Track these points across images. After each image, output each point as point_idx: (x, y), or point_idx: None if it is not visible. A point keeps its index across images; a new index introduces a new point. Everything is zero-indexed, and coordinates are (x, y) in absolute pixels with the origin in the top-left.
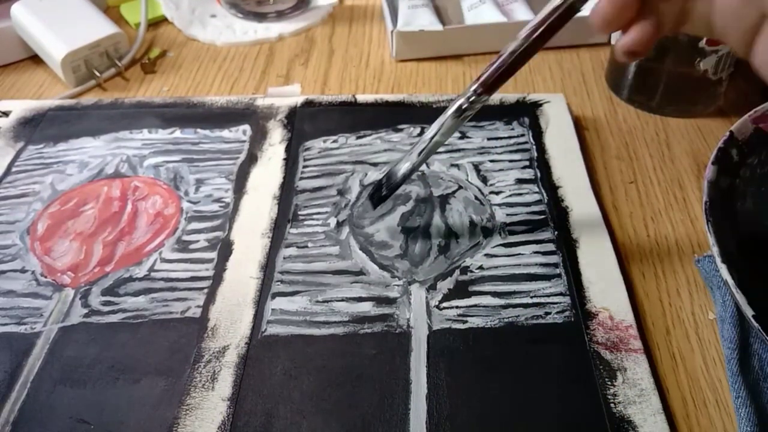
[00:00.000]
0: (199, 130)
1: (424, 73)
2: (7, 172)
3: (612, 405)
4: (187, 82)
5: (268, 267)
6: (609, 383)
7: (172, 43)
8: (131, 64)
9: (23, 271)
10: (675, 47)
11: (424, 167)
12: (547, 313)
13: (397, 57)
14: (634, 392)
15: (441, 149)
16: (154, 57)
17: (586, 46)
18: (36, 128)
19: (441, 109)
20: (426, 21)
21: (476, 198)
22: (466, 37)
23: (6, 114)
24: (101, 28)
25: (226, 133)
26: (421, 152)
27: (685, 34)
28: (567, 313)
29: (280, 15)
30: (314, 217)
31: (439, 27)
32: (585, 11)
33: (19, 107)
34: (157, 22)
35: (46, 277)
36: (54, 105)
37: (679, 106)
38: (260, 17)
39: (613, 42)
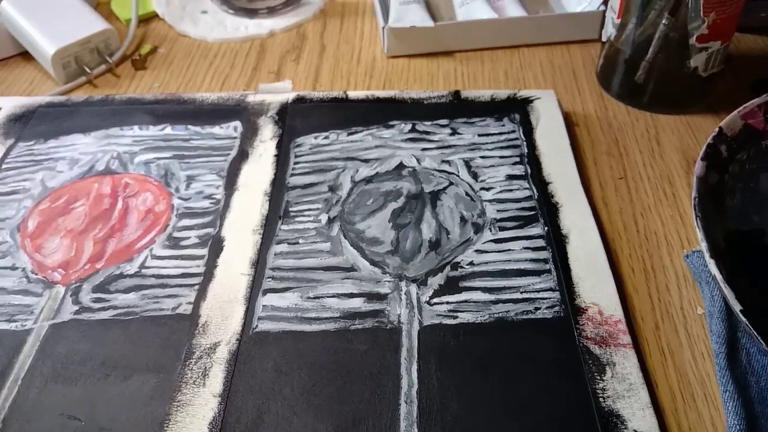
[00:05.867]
0: (189, 126)
1: (416, 69)
2: None
3: (601, 399)
4: (177, 79)
5: (259, 263)
6: (598, 378)
7: (162, 39)
8: (122, 61)
9: (13, 268)
10: (665, 44)
11: (414, 163)
12: (537, 309)
13: (388, 53)
14: (623, 387)
15: (432, 145)
16: (145, 53)
17: (577, 42)
18: (26, 125)
19: (432, 106)
20: (417, 17)
21: (467, 194)
22: (457, 33)
23: None
24: (91, 24)
25: (217, 130)
26: None
27: (675, 31)
28: (557, 309)
29: (271, 11)
30: (305, 213)
31: (430, 23)
32: (580, 7)
33: (9, 104)
34: (147, 18)
35: (36, 274)
36: (44, 102)
37: (669, 102)
38: (251, 13)
39: (603, 39)
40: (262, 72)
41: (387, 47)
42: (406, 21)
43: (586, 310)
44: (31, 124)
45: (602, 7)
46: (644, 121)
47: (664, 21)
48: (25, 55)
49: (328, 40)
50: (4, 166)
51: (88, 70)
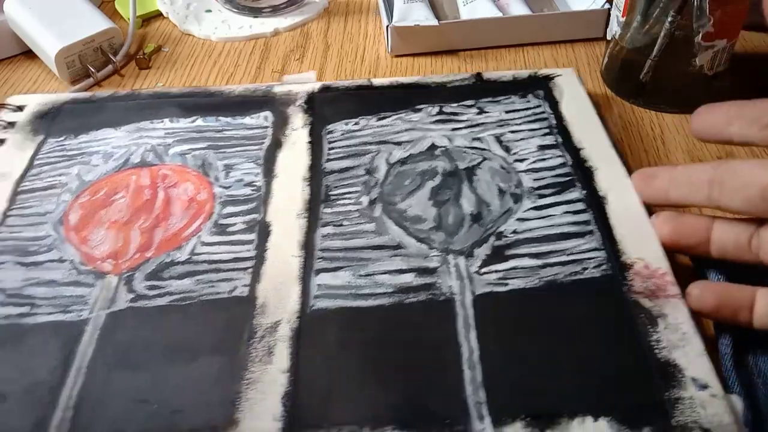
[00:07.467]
0: (220, 117)
1: (420, 68)
2: (30, 165)
3: (656, 350)
4: (182, 78)
5: (307, 246)
6: (651, 330)
7: (167, 38)
8: (126, 60)
9: (61, 260)
10: (671, 42)
11: (446, 143)
12: (584, 269)
13: (392, 52)
14: (677, 336)
15: (461, 125)
16: (149, 52)
17: (582, 41)
18: (53, 121)
19: (456, 88)
20: (421, 16)
21: (502, 167)
22: (461, 32)
23: (21, 108)
24: (96, 23)
25: (247, 120)
26: None
27: (680, 29)
28: (604, 267)
29: (276, 10)
30: (346, 196)
31: (434, 22)
32: (585, 5)
33: (34, 101)
34: (152, 17)
35: (85, 265)
36: (69, 98)
37: (674, 101)
38: (255, 12)
39: (608, 37)
40: (266, 71)
41: (391, 46)
42: (410, 20)
43: (633, 265)
44: (58, 120)
45: (607, 5)
46: (649, 120)
47: (669, 19)
48: (29, 54)
49: (332, 39)
50: (36, 162)
51: (92, 70)
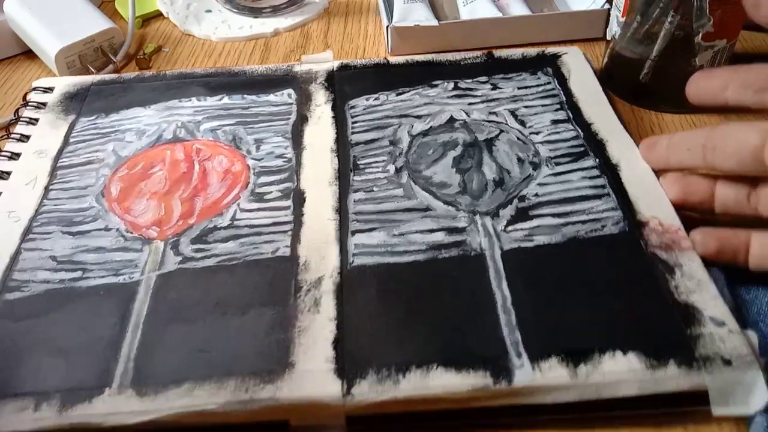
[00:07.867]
0: (245, 95)
1: None
2: (66, 142)
3: (676, 295)
4: None
5: (341, 210)
6: (669, 278)
7: (167, 38)
8: (127, 60)
9: (107, 229)
10: (670, 42)
11: (464, 116)
12: (603, 226)
13: (392, 52)
14: (693, 283)
15: (476, 100)
16: (150, 52)
17: (582, 41)
18: (83, 102)
19: (469, 66)
20: (421, 16)
21: (519, 139)
22: (461, 32)
23: (50, 90)
24: (96, 23)
25: (272, 98)
26: None
27: (680, 30)
28: (621, 224)
29: (276, 10)
30: (373, 165)
31: (434, 22)
32: (585, 5)
33: (62, 83)
34: (152, 17)
35: (132, 233)
36: (96, 80)
37: (674, 101)
38: (255, 12)
39: (608, 37)
40: None
41: (391, 46)
42: (410, 20)
43: (648, 223)
44: (87, 101)
45: (607, 6)
46: (649, 120)
47: (669, 19)
48: (29, 54)
49: (332, 40)
50: (71, 140)
51: (92, 70)
